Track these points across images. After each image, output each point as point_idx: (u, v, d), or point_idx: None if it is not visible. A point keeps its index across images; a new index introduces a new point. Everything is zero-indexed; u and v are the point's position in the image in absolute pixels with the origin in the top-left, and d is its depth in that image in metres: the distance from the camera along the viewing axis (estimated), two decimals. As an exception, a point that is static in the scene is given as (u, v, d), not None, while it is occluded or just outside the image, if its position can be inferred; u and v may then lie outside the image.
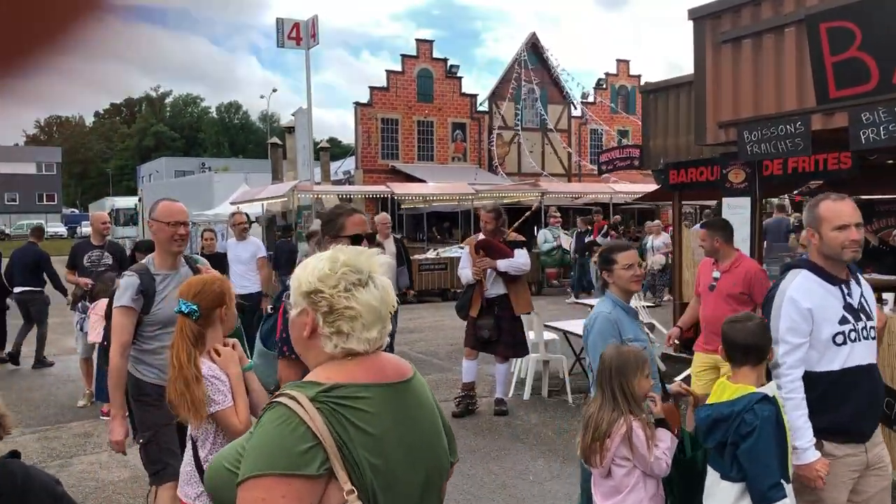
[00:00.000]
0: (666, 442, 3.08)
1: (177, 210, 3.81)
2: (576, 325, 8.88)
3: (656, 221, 17.32)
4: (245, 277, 8.77)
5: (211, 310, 2.89)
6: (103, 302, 6.86)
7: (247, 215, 9.83)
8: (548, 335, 8.49)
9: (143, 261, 3.85)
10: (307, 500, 1.43)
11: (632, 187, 22.82)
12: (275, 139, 26.98)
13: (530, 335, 8.33)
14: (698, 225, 5.43)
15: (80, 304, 7.93)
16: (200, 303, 2.86)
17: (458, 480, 5.61)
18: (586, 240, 16.49)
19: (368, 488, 1.49)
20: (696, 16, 6.31)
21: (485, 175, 28.00)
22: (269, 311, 3.31)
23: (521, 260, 7.18)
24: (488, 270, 7.20)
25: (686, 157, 9.17)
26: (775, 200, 14.91)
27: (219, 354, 2.90)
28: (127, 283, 3.70)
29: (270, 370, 3.14)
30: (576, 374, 8.41)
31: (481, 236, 7.32)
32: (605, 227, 17.77)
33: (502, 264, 7.12)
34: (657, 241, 16.08)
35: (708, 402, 3.06)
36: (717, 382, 3.13)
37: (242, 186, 27.27)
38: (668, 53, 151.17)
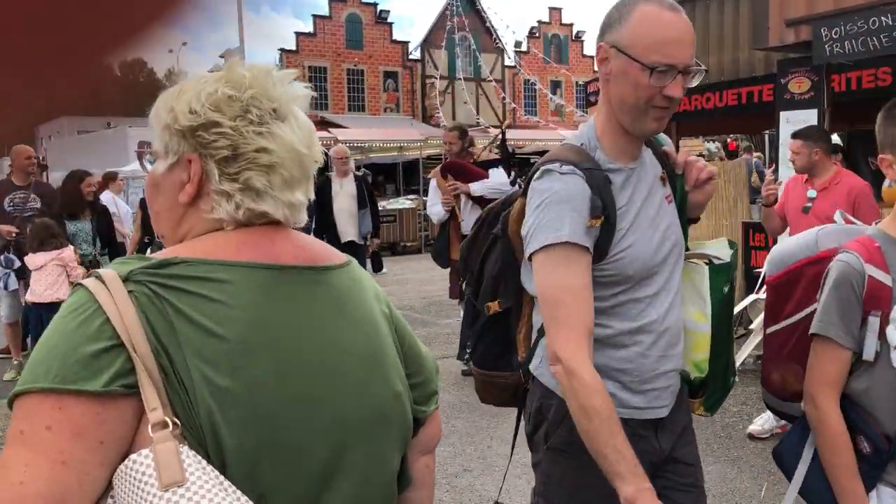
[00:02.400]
0: None
1: None
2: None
3: None
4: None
5: None
6: (65, 253, 5.64)
7: None
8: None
9: None
10: (93, 437, 0.91)
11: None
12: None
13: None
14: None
15: (1, 258, 6.54)
16: None
17: (504, 450, 4.69)
18: None
19: (203, 421, 0.95)
20: None
21: (421, 126, 26.90)
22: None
23: (498, 179, 6.18)
24: (461, 198, 6.20)
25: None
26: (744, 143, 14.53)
27: None
28: None
29: None
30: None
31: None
32: None
33: (476, 187, 6.11)
34: None
35: None
36: None
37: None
38: None
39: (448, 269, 6.52)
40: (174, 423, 0.95)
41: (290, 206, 1.11)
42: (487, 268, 2.03)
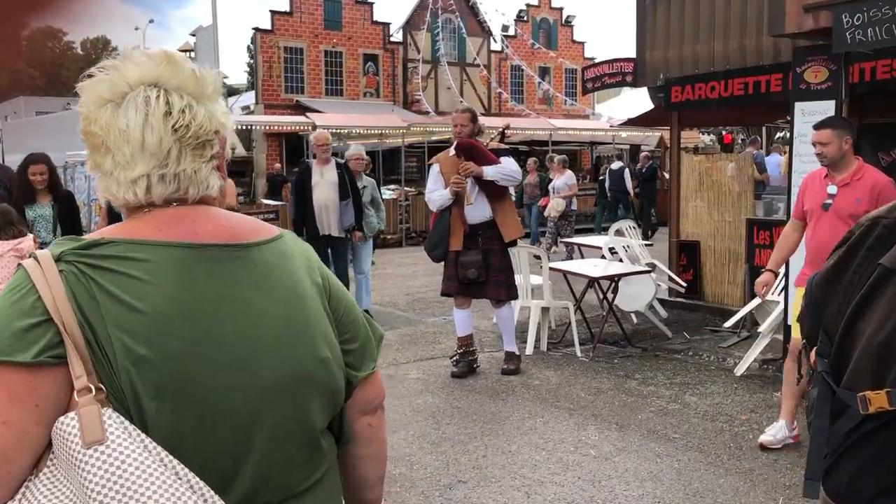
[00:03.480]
0: None
1: None
2: (578, 265, 7.94)
3: (558, 158, 14.75)
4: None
5: None
6: (24, 243, 5.43)
7: None
8: (535, 279, 7.54)
9: None
10: (28, 400, 1.11)
11: (575, 123, 22.26)
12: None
13: (530, 278, 7.35)
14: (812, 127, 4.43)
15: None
16: None
17: (500, 459, 4.56)
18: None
19: (125, 386, 1.12)
20: None
21: (402, 112, 26.70)
22: None
23: (511, 167, 6.14)
24: (469, 183, 6.09)
25: (693, 70, 8.30)
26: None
27: None
28: None
29: None
30: (578, 322, 7.48)
31: (452, 152, 6.26)
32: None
33: (490, 171, 6.03)
34: (559, 181, 14.05)
35: None
36: None
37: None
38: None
39: (442, 263, 6.39)
40: (98, 389, 1.12)
41: (132, 185, 1.23)
42: (862, 327, 1.34)
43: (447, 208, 6.22)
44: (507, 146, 6.62)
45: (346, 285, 8.14)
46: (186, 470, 1.12)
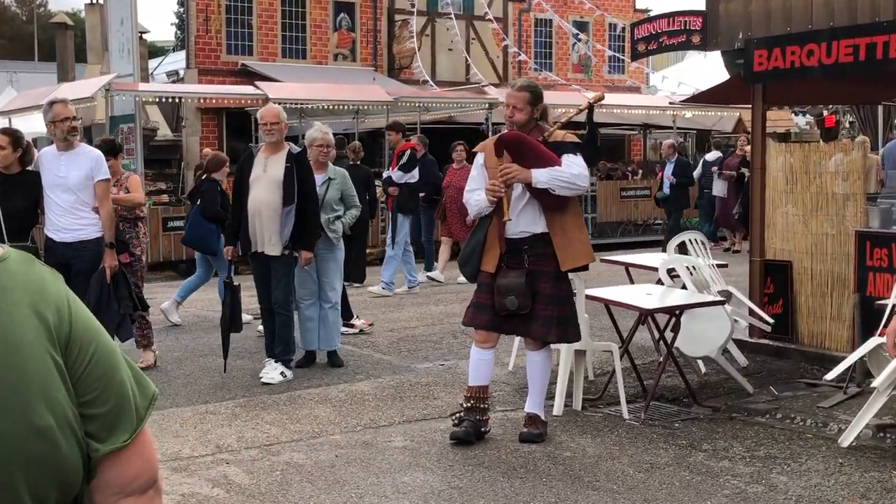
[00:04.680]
0: None
1: None
2: (626, 293, 7.93)
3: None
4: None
5: None
6: None
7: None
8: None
9: None
10: None
11: (622, 98, 22.39)
12: (63, 17, 24.94)
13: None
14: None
15: None
16: None
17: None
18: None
19: None
20: None
21: (386, 82, 26.78)
22: None
23: (573, 170, 6.15)
24: (516, 187, 6.19)
25: (785, 28, 8.35)
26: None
27: None
28: None
29: None
30: (625, 371, 7.48)
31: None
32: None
33: (542, 175, 6.07)
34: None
35: None
36: None
37: (6, 91, 25.62)
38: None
39: (448, 288, 6.43)
40: None
41: None
42: None
43: (488, 215, 6.31)
44: (576, 138, 6.57)
45: (287, 322, 8.11)
46: None
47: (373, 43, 29.71)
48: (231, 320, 8.19)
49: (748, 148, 18.19)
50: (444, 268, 14.20)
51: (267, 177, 7.93)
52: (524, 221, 6.23)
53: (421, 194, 13.94)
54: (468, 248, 6.44)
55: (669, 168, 17.72)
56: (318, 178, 8.65)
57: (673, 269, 8.71)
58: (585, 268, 6.47)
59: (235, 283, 8.44)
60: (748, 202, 17.48)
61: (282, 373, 7.96)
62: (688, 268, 8.65)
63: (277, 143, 8.11)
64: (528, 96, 6.29)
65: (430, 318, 11.13)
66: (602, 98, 7.72)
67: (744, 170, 17.28)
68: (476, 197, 6.32)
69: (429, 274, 14.28)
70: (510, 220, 6.15)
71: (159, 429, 6.53)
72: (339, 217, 8.80)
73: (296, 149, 8.31)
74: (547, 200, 6.17)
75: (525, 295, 6.13)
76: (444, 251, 14.48)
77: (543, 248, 6.22)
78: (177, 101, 22.08)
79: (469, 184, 6.51)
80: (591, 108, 7.13)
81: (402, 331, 10.42)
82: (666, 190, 17.69)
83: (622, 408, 6.98)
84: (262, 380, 7.88)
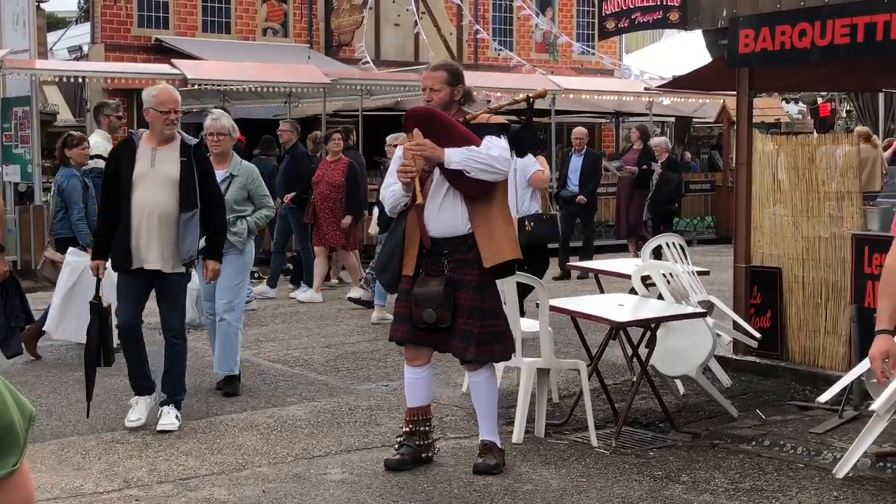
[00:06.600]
0: None
1: None
2: (595, 304, 7.96)
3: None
4: None
5: None
6: None
7: None
8: (528, 325, 7.58)
9: None
10: None
11: (591, 82, 22.48)
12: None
13: (520, 323, 7.36)
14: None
15: None
16: None
17: None
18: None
19: None
20: None
21: (323, 61, 26.77)
22: None
23: (492, 151, 6.16)
24: (434, 179, 6.25)
25: (774, 6, 8.44)
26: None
27: None
28: None
29: None
30: (593, 392, 7.52)
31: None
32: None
33: (455, 154, 6.09)
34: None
35: None
36: None
37: None
38: None
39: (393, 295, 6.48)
40: None
41: None
42: None
43: (404, 212, 6.35)
44: (503, 119, 6.65)
45: (183, 354, 7.51)
46: None
47: (308, 16, 29.68)
48: (98, 352, 7.34)
49: (658, 141, 18.18)
50: (320, 287, 13.54)
51: (157, 173, 7.29)
52: (444, 221, 6.25)
53: (287, 195, 13.59)
54: (385, 254, 6.52)
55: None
56: (219, 174, 8.05)
57: (648, 277, 8.77)
58: (512, 270, 6.50)
59: (104, 305, 7.54)
60: (663, 204, 17.37)
61: (176, 416, 7.30)
62: (664, 275, 8.69)
63: (171, 133, 7.43)
64: (446, 75, 6.38)
65: (372, 331, 11.09)
66: (545, 94, 7.69)
67: (654, 165, 17.23)
68: (390, 191, 6.37)
69: (292, 294, 13.67)
70: (422, 203, 6.18)
71: (57, 460, 6.47)
72: (241, 216, 8.41)
73: (190, 139, 7.63)
74: (464, 187, 6.18)
75: (444, 306, 6.16)
76: (319, 265, 13.62)
77: (465, 254, 6.25)
78: (80, 80, 21.77)
79: (386, 178, 6.57)
80: (530, 103, 7.03)
81: (340, 346, 10.41)
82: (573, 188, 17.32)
83: (590, 434, 7.02)
84: (159, 429, 7.15)
